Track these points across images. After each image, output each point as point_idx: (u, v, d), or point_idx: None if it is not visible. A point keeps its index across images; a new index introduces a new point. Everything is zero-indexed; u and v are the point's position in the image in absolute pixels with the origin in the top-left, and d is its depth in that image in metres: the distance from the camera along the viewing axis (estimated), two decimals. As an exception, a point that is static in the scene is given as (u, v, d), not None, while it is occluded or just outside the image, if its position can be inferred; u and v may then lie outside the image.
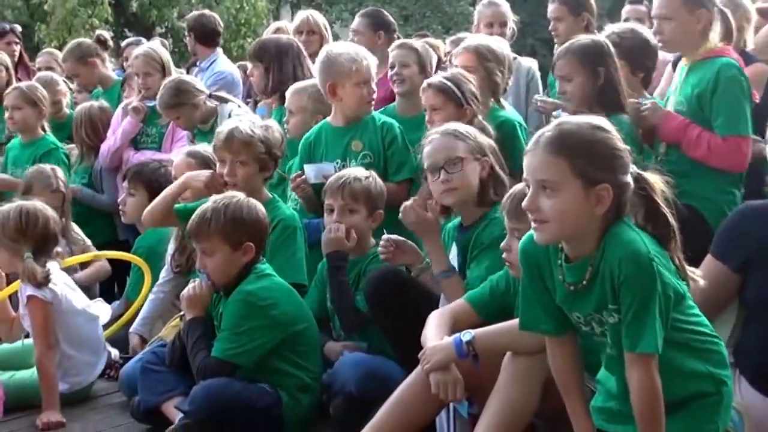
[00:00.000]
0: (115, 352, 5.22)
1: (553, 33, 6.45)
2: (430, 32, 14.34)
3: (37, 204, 4.90)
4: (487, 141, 4.29)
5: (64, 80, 7.85)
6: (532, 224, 2.97)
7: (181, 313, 4.64)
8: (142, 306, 5.47)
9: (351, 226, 4.56)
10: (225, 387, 4.12)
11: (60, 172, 6.16)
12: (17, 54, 8.63)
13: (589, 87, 4.64)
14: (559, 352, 3.20)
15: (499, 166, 4.23)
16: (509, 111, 5.35)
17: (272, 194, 5.02)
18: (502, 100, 5.34)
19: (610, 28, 5.20)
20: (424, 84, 5.01)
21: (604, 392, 3.21)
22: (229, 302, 4.27)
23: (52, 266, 4.78)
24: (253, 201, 4.38)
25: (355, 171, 4.71)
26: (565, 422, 3.39)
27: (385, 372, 4.21)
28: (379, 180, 4.71)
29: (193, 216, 4.34)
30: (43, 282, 4.64)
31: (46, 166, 6.17)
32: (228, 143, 4.84)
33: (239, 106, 6.43)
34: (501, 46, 5.45)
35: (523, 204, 2.96)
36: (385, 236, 4.38)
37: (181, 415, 4.18)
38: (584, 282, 2.99)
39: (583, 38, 4.82)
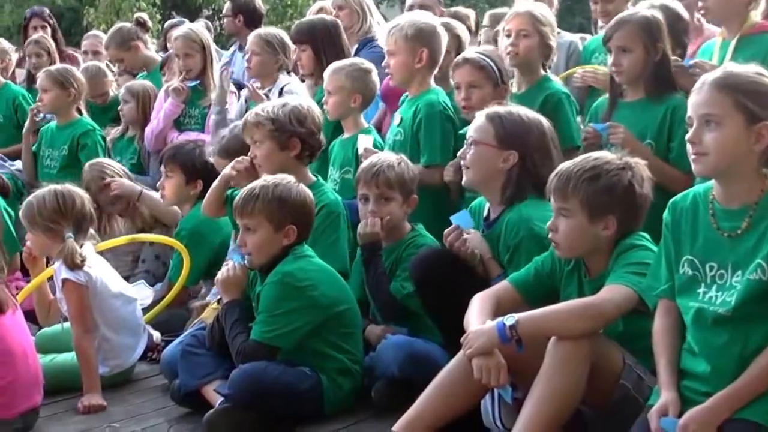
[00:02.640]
0: (157, 335, 5.18)
1: (601, 13, 6.22)
2: (476, 9, 14.18)
3: (70, 186, 4.89)
4: (538, 131, 4.13)
5: (107, 64, 7.85)
6: (692, 157, 3.09)
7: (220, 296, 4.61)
8: (183, 288, 5.44)
9: (388, 215, 4.52)
10: (264, 370, 4.08)
11: (116, 168, 6.13)
12: (49, 37, 8.56)
13: (646, 61, 4.51)
14: (667, 318, 3.24)
15: (535, 163, 4.07)
16: (558, 82, 5.22)
17: (317, 177, 4.96)
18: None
19: (645, 3, 5.03)
20: (459, 59, 4.93)
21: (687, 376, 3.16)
22: (267, 284, 4.22)
23: (87, 248, 4.77)
24: (303, 187, 4.36)
25: (387, 157, 4.65)
26: (612, 410, 3.31)
27: (427, 354, 4.18)
28: (409, 164, 4.65)
29: (242, 191, 4.35)
30: (79, 264, 4.62)
31: (99, 168, 6.11)
32: (243, 127, 4.91)
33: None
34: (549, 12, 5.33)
35: (687, 137, 3.09)
36: (457, 225, 4.19)
37: (221, 398, 4.14)
38: (739, 231, 3.08)
39: (643, 11, 4.67)
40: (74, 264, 4.61)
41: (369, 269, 4.53)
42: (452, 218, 4.22)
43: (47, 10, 9.13)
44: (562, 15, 6.71)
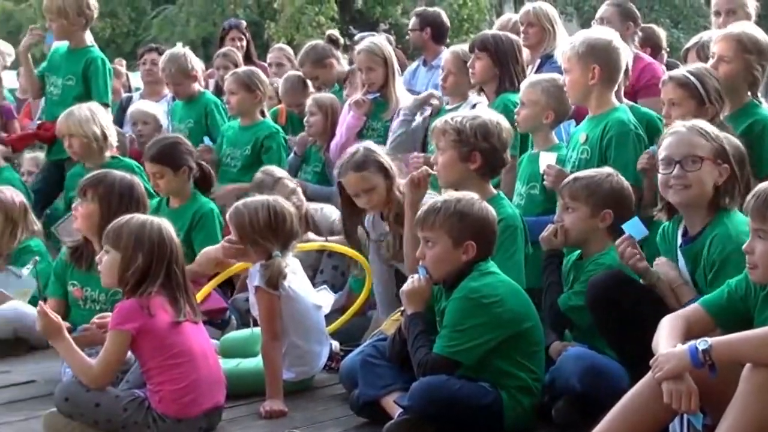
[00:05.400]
0: (335, 344, 5.25)
1: None
2: (658, 25, 13.91)
3: (281, 200, 4.94)
4: (734, 146, 4.04)
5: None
6: None
7: (403, 307, 4.62)
8: (366, 301, 5.49)
9: (568, 225, 4.50)
10: (445, 384, 4.07)
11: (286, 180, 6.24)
12: (243, 50, 8.86)
13: None
14: None
15: (740, 176, 4.00)
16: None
17: (498, 192, 4.96)
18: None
19: None
20: (665, 76, 4.85)
21: None
22: (453, 299, 4.22)
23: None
24: (485, 204, 4.35)
25: (592, 170, 4.63)
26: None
27: (609, 368, 4.14)
28: (617, 179, 4.54)
29: (424, 205, 4.39)
30: (278, 284, 4.70)
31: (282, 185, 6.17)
32: (431, 132, 4.98)
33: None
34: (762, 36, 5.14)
35: None
36: (630, 235, 4.16)
37: (400, 410, 4.16)
38: None
39: None
40: (275, 284, 4.69)
41: (543, 275, 4.56)
42: (624, 226, 4.15)
43: (244, 23, 9.43)
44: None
